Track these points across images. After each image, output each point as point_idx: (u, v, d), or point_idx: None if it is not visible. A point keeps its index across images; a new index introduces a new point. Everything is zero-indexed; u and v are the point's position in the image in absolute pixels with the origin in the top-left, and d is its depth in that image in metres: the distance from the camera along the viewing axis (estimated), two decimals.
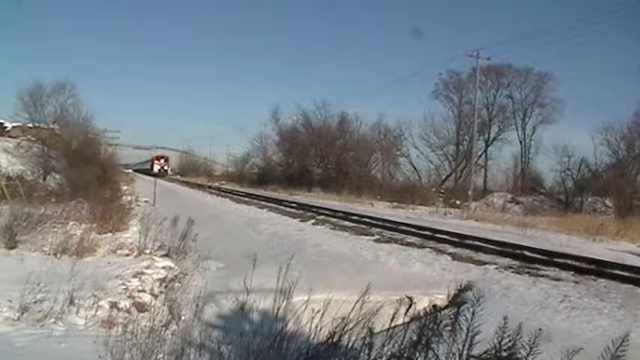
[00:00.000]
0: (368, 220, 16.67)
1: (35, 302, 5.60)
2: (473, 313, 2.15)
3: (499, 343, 2.05)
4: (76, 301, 5.99)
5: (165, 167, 70.83)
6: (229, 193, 34.68)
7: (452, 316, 2.22)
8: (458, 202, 30.46)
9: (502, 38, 78.92)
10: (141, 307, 6.47)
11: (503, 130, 43.81)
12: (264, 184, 45.19)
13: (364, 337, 2.55)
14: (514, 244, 11.54)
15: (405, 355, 2.33)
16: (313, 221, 16.81)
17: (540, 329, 2.05)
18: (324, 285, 6.23)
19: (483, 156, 43.40)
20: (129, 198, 20.24)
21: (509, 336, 2.06)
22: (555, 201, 30.28)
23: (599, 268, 8.91)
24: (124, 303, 6.49)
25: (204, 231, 11.13)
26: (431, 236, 12.96)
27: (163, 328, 4.30)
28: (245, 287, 4.31)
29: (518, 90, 43.33)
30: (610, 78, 61.36)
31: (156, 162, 69.06)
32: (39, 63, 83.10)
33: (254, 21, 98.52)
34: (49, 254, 8.81)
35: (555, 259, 9.74)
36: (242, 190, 39.13)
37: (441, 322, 2.27)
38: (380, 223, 15.67)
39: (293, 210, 21.29)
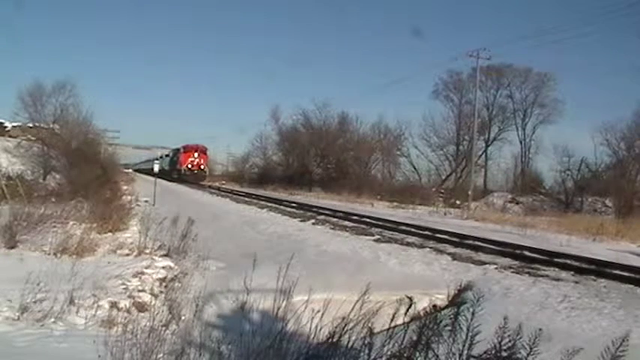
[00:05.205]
0: (368, 220, 16.66)
1: (35, 302, 5.60)
2: (473, 313, 2.15)
3: (499, 343, 2.05)
4: (76, 301, 5.99)
5: (202, 164, 45.60)
6: (229, 192, 34.64)
7: (452, 316, 2.23)
8: (458, 202, 30.48)
9: (502, 38, 78.94)
10: (141, 307, 6.47)
11: (503, 130, 43.95)
12: (264, 184, 45.13)
13: (364, 337, 2.55)
14: (514, 244, 11.53)
15: (405, 355, 2.33)
16: (313, 221, 16.81)
17: (540, 329, 2.05)
18: (324, 285, 6.23)
19: (483, 156, 43.47)
20: (129, 198, 20.23)
21: (509, 336, 2.06)
22: (555, 201, 30.31)
23: (599, 268, 8.90)
24: (124, 303, 6.48)
25: (204, 231, 11.13)
26: (431, 236, 12.95)
27: (163, 328, 4.29)
28: (245, 287, 4.31)
29: (518, 90, 43.47)
30: (610, 78, 61.52)
31: (183, 155, 44.93)
32: (39, 63, 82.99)
33: (254, 21, 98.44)
34: (49, 254, 8.81)
35: (555, 259, 9.74)
36: (242, 190, 39.07)
37: (441, 322, 2.27)
38: (380, 223, 15.66)
39: (293, 210, 21.28)
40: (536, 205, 29.33)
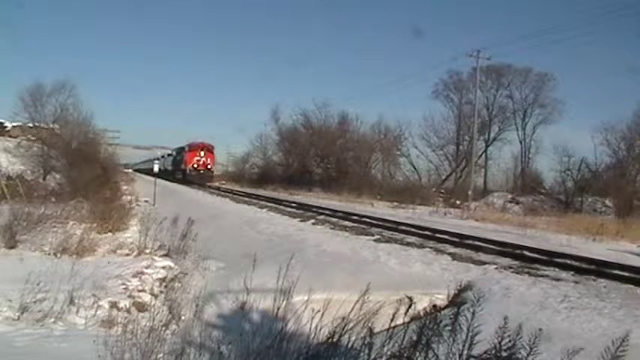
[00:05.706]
0: (368, 220, 16.65)
1: (35, 302, 5.61)
2: (473, 313, 2.15)
3: (499, 343, 2.05)
4: (76, 301, 6.00)
5: (209, 164, 42.89)
6: (229, 192, 34.63)
7: (452, 316, 2.23)
8: (458, 202, 30.46)
9: (502, 38, 79.02)
10: (141, 307, 6.48)
11: (503, 130, 43.93)
12: (264, 184, 45.05)
13: (364, 337, 2.55)
14: (514, 244, 11.53)
15: (405, 355, 2.33)
16: (313, 221, 16.80)
17: (540, 329, 2.06)
18: (324, 285, 6.23)
19: (483, 156, 43.45)
20: (129, 198, 20.25)
21: (509, 336, 2.06)
22: (555, 201, 30.31)
23: (599, 268, 8.90)
24: (124, 303, 6.49)
25: (204, 231, 11.13)
26: (431, 236, 12.94)
27: (163, 328, 4.30)
28: (245, 287, 4.31)
29: (518, 90, 43.45)
30: (610, 78, 61.60)
31: (188, 153, 41.64)
32: (39, 63, 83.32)
33: (254, 21, 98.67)
34: (49, 254, 8.83)
35: (555, 259, 9.73)
36: (242, 189, 39.00)
37: (441, 322, 2.27)
38: (380, 223, 15.66)
39: (293, 210, 21.28)
40: (536, 205, 29.31)
